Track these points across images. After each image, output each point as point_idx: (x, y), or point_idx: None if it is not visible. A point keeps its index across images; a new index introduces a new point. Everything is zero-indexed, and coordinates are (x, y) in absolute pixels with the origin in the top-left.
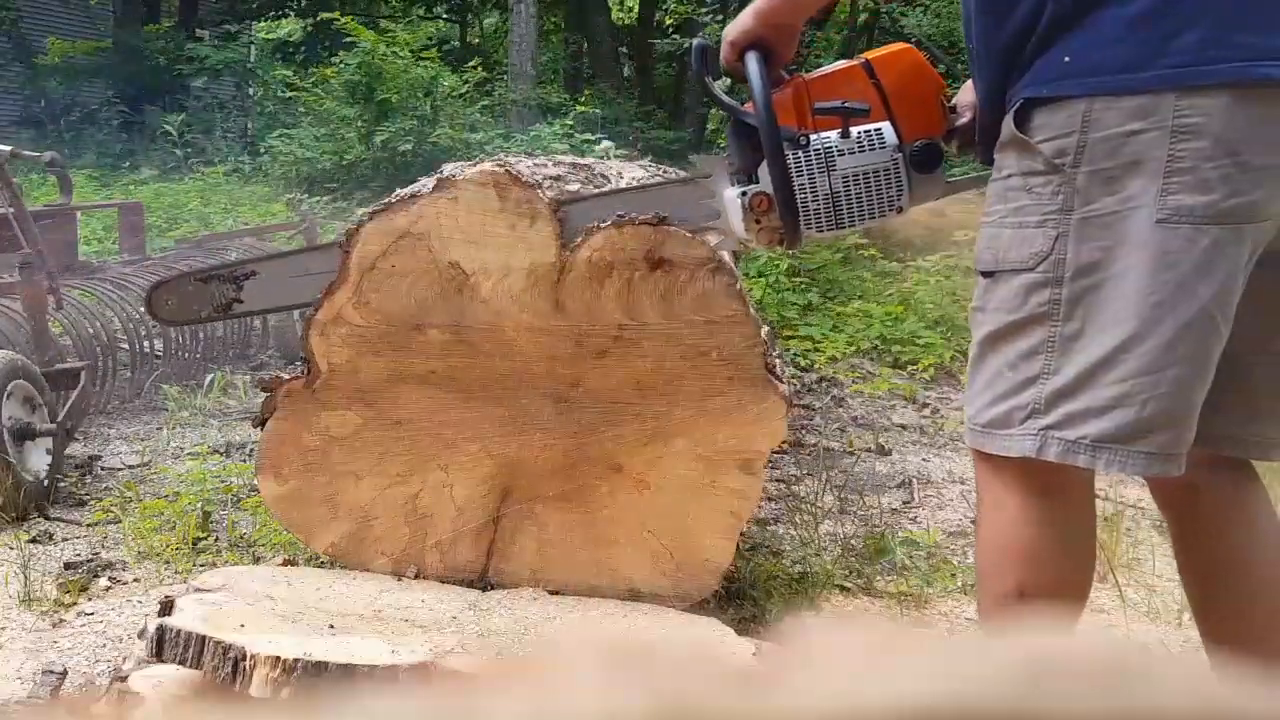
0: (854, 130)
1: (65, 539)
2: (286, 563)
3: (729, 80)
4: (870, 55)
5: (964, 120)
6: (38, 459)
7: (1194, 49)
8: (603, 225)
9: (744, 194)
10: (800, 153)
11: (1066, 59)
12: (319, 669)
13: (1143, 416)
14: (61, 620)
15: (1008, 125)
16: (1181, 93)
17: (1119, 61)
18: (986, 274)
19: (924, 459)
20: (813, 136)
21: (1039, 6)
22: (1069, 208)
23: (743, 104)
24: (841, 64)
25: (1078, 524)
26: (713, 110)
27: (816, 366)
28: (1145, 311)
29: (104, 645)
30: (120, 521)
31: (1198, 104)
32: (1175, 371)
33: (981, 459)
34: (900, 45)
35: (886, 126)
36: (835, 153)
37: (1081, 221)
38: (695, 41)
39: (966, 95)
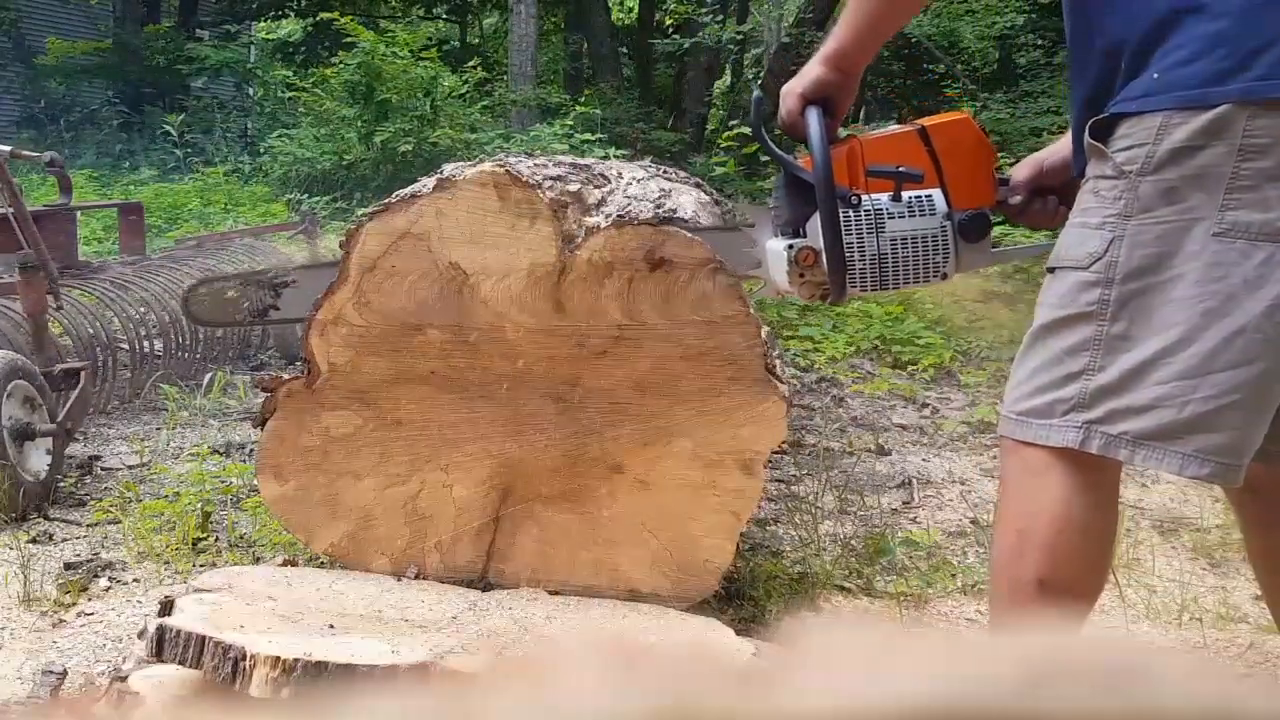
0: (905, 194)
1: (65, 539)
2: (286, 563)
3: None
4: (927, 122)
5: (1016, 199)
6: (38, 459)
7: (1269, 66)
8: (603, 225)
9: (790, 247)
10: (851, 212)
11: (1155, 76)
12: (319, 669)
13: (1180, 418)
14: (61, 620)
15: (1087, 134)
16: (1254, 111)
17: (1198, 76)
18: (1049, 270)
19: (924, 459)
20: (865, 197)
21: (1125, 34)
22: (1128, 213)
23: (796, 158)
24: (897, 128)
25: (1104, 522)
26: (712, 110)
27: (816, 366)
28: (1193, 318)
29: (104, 645)
30: (120, 522)
31: (1268, 125)
32: (1217, 379)
33: (1012, 448)
34: (958, 115)
35: (937, 193)
36: (885, 215)
37: (1138, 227)
38: (754, 94)
39: (1023, 171)
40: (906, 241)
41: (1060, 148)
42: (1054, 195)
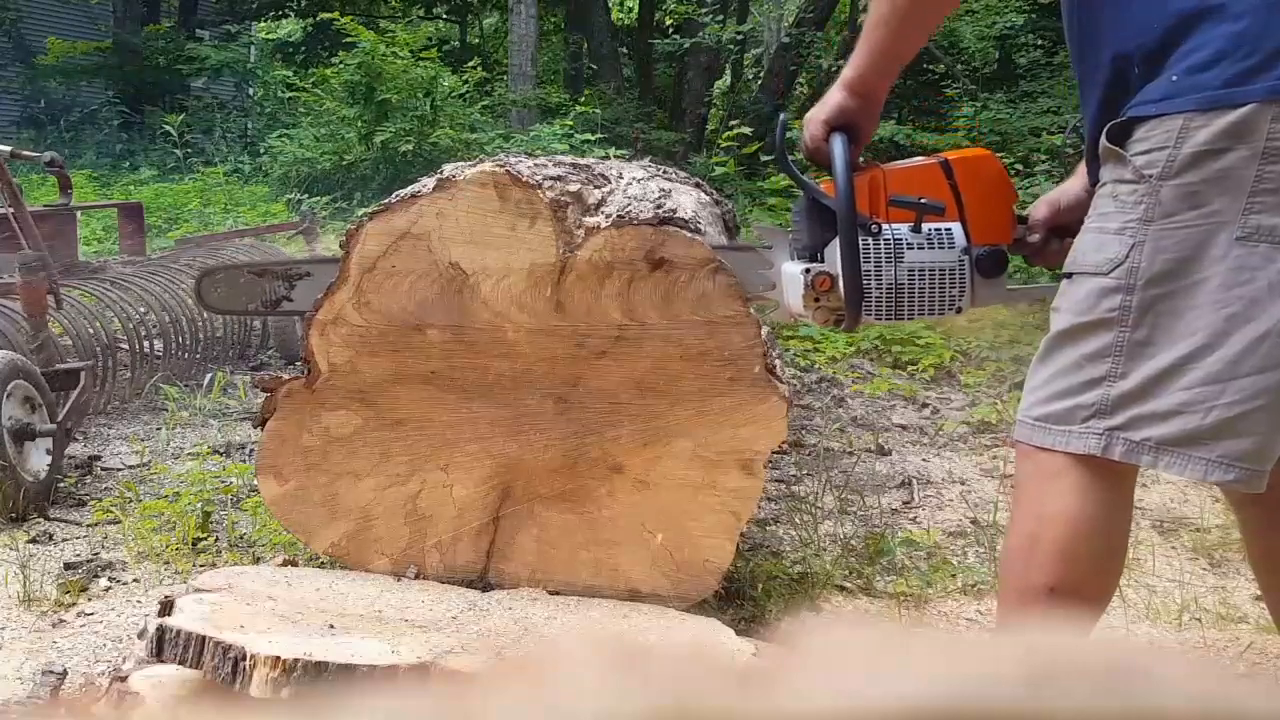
0: (925, 226)
1: (65, 539)
2: (286, 563)
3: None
4: (950, 155)
5: (1034, 238)
6: (38, 459)
7: None
8: (603, 226)
9: (807, 271)
10: (871, 240)
11: (1174, 78)
12: (319, 669)
13: (1204, 424)
14: (61, 620)
15: (1104, 138)
16: (1278, 111)
17: (1220, 77)
18: (1066, 275)
19: (924, 459)
20: (885, 226)
21: (1139, 38)
22: (1149, 218)
23: (818, 183)
24: (920, 160)
25: (1118, 528)
26: (712, 110)
27: (816, 366)
28: (1216, 324)
29: (104, 645)
30: (120, 522)
31: None
32: (1242, 384)
33: (1028, 453)
34: (981, 151)
35: (957, 227)
36: (905, 245)
37: (1160, 232)
38: (780, 117)
39: (1040, 211)
40: (924, 273)
41: (1072, 186)
42: (1071, 236)
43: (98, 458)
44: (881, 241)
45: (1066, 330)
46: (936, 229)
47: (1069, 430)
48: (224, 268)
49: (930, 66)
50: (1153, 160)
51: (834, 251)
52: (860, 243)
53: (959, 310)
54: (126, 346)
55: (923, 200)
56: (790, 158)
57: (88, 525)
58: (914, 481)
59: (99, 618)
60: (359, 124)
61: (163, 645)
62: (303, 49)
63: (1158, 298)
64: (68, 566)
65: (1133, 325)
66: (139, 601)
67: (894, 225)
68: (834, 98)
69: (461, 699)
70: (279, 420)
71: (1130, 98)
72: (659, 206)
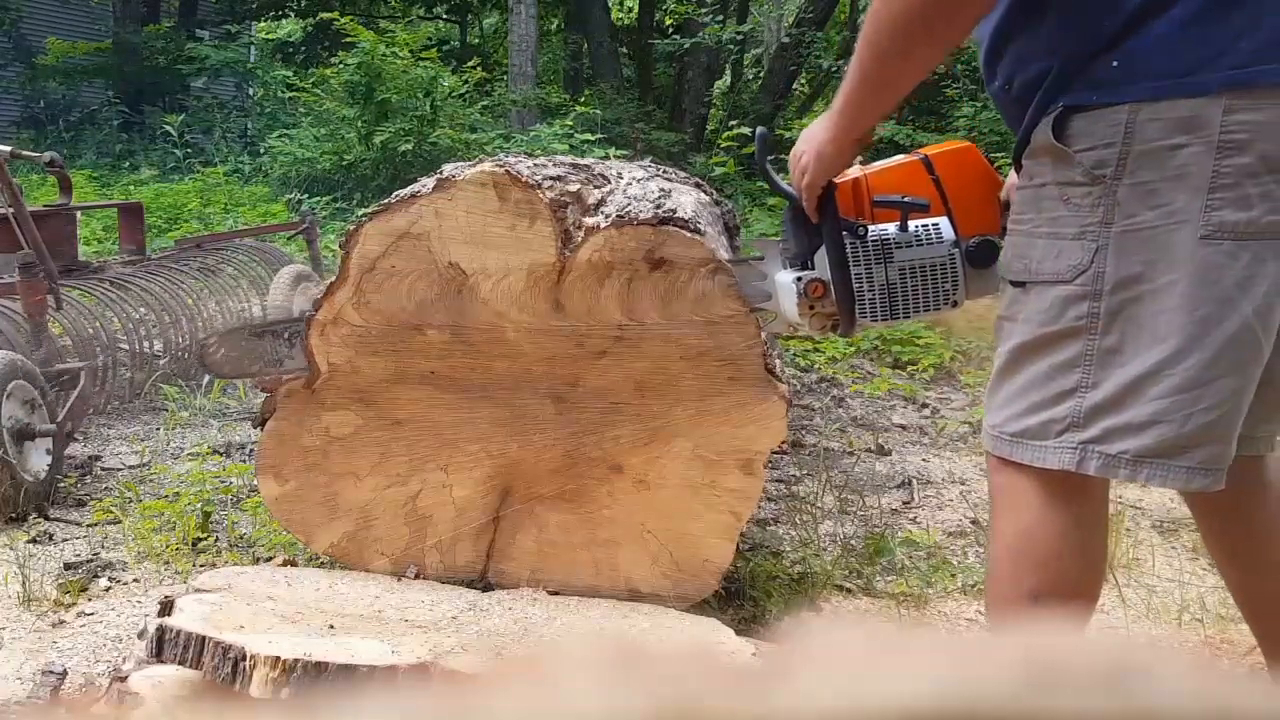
0: (912, 224)
1: (65, 539)
2: (286, 563)
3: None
4: (930, 151)
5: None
6: (38, 459)
7: (1247, 54)
8: (603, 225)
9: (799, 279)
10: (858, 242)
11: (1115, 64)
12: (319, 669)
13: (1184, 432)
14: (61, 620)
15: (1043, 132)
16: (1229, 104)
17: (1167, 66)
18: (1017, 284)
19: (924, 459)
20: (871, 228)
21: (1080, 45)
22: (1109, 220)
23: None
24: (901, 159)
25: (1095, 531)
26: (712, 110)
27: (816, 366)
28: (1189, 328)
29: (104, 645)
30: (120, 522)
31: (1245, 119)
32: (1217, 387)
33: (1001, 464)
34: (961, 143)
35: (944, 222)
36: (893, 245)
37: (1122, 235)
38: (759, 130)
39: (1014, 193)
40: (915, 270)
41: None
42: None
43: (98, 458)
44: (869, 243)
45: (1030, 342)
46: (924, 225)
47: (1044, 445)
48: (225, 334)
49: None
50: (1103, 159)
51: (824, 257)
52: (848, 246)
53: (955, 304)
54: (126, 346)
55: (906, 199)
56: (771, 169)
57: (88, 525)
58: (914, 481)
59: (99, 618)
60: (359, 124)
61: (163, 645)
62: (303, 49)
63: (1126, 302)
64: (68, 566)
65: (1102, 332)
66: (139, 601)
67: (881, 226)
68: (817, 139)
69: (461, 699)
70: (279, 420)
71: (1067, 83)
72: (659, 206)
